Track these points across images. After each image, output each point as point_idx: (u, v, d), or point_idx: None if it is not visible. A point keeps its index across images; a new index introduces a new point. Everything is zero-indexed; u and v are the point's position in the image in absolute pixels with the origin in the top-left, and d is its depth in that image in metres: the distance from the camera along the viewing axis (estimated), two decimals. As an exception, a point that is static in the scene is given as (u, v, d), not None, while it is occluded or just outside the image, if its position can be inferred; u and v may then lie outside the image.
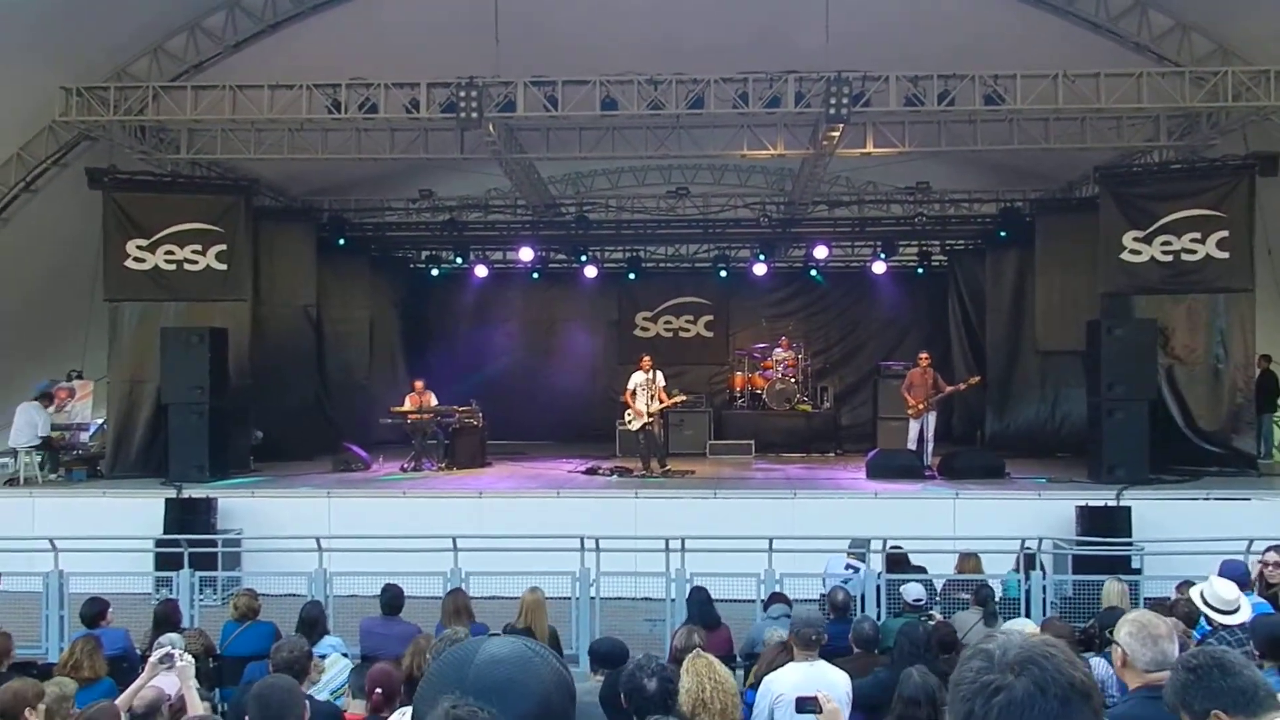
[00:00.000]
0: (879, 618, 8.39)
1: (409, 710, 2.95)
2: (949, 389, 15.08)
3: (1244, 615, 5.39)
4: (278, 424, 16.46)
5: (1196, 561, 8.62)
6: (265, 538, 11.91)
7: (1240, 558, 7.99)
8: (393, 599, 7.58)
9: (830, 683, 5.21)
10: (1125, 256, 14.42)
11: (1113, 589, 7.75)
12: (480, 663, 1.79)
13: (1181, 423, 14.08)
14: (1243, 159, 13.96)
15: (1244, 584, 6.05)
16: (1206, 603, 5.57)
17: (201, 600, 9.95)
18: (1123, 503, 11.88)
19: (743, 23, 13.94)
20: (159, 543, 11.42)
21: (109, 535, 11.08)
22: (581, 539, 9.99)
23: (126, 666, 6.68)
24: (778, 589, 8.89)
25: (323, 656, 6.32)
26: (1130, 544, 10.96)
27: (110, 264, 14.69)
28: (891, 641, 6.30)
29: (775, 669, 5.51)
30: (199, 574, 10.07)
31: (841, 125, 13.24)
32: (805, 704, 4.51)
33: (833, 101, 12.57)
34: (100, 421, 16.26)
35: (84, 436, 16.10)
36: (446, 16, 13.84)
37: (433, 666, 1.85)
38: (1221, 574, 6.09)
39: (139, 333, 14.81)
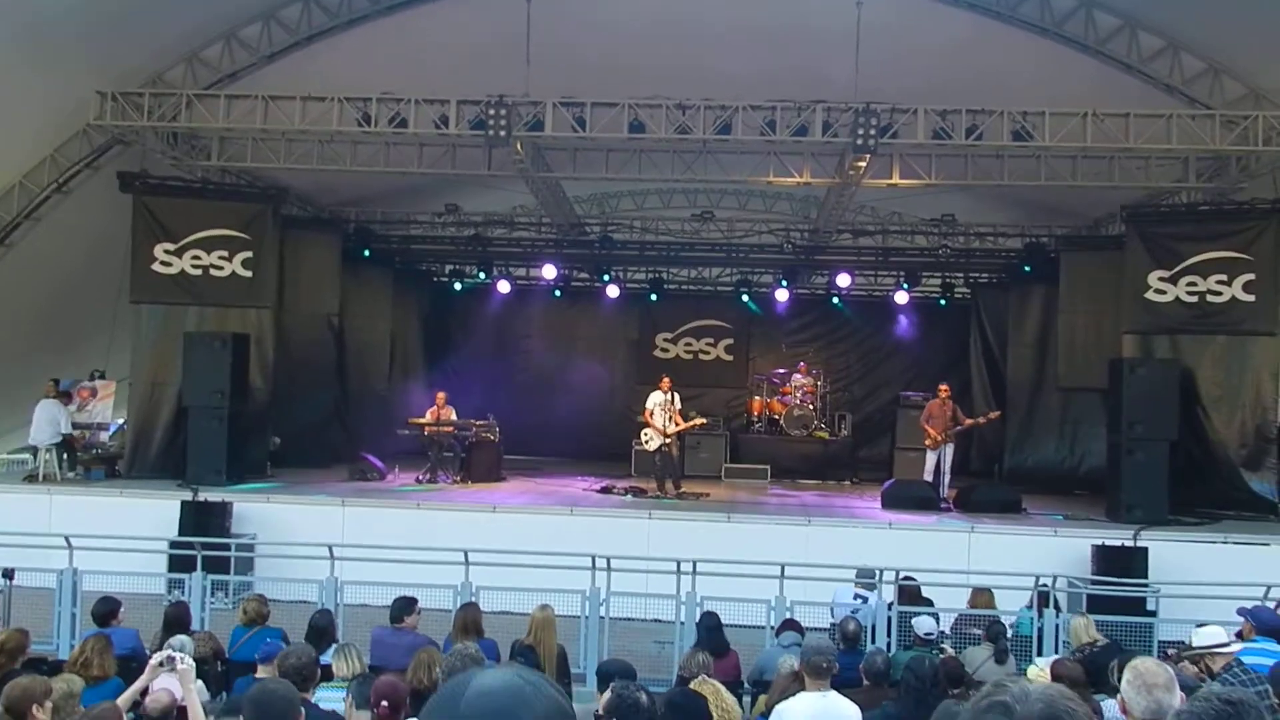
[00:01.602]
0: (889, 650, 8.33)
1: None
2: (968, 422, 15.02)
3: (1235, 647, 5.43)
4: (296, 431, 16.49)
5: (1213, 605, 8.53)
6: (278, 544, 11.94)
7: (1256, 603, 7.89)
8: (400, 609, 7.55)
9: (842, 714, 5.17)
10: (1150, 296, 14.36)
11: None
12: (471, 696, 1.80)
13: (1202, 465, 13.95)
14: (1272, 203, 13.90)
15: (1273, 632, 5.97)
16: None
17: (213, 603, 9.95)
18: (1140, 543, 11.78)
19: (773, 52, 14.00)
20: (173, 544, 11.44)
21: (124, 535, 11.09)
22: (593, 558, 9.96)
23: (135, 667, 6.68)
24: (789, 616, 8.83)
25: None
26: (1146, 585, 10.85)
27: (137, 267, 14.82)
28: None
29: (787, 698, 5.47)
30: (211, 577, 10.07)
31: (868, 156, 13.26)
32: None
33: (860, 132, 12.60)
34: (120, 422, 16.37)
35: (104, 436, 16.22)
36: (478, 36, 13.96)
37: (429, 702, 1.87)
38: (1255, 621, 6.04)
39: (163, 336, 14.91)
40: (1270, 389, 13.97)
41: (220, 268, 15.07)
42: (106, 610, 7.34)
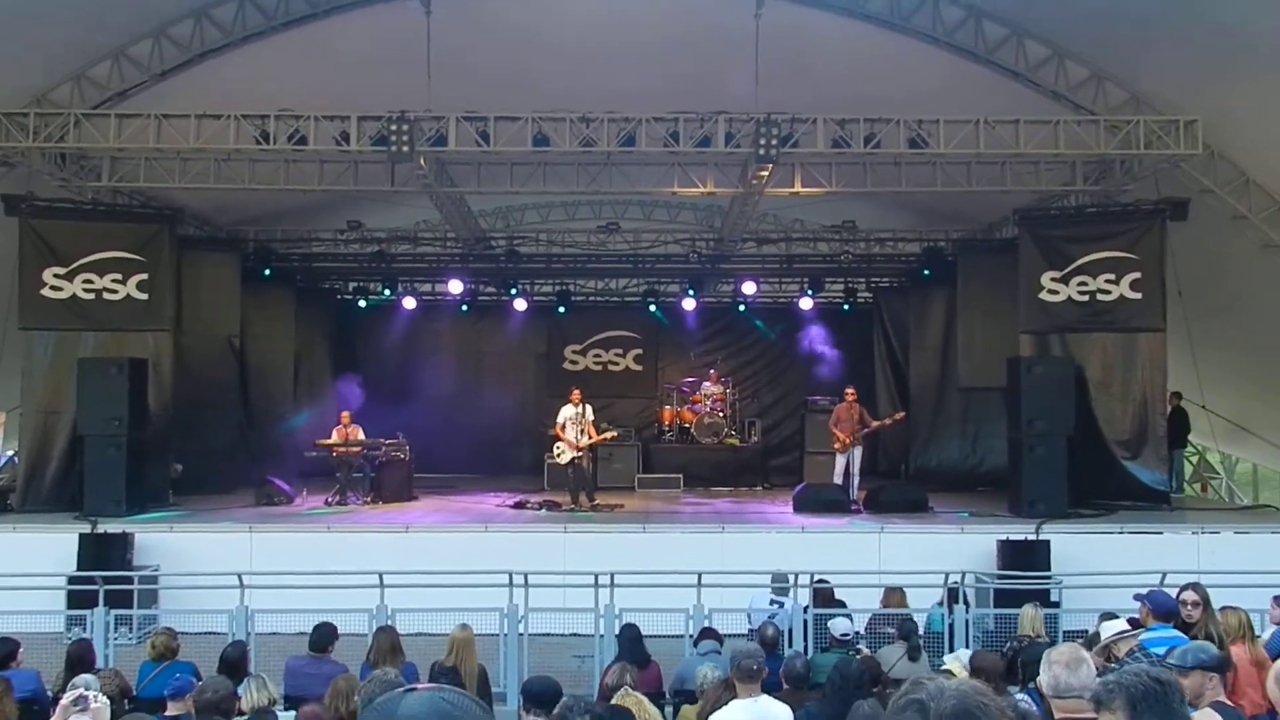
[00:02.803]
0: (806, 652, 8.44)
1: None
2: (874, 424, 15.29)
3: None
4: (199, 457, 16.12)
5: (1112, 594, 8.83)
6: (184, 574, 11.62)
7: (1152, 590, 8.18)
8: (324, 637, 7.41)
9: (775, 717, 5.22)
10: (1044, 296, 14.79)
11: (1027, 614, 7.92)
12: None
13: (1097, 459, 14.40)
14: (1155, 204, 14.45)
15: (1169, 616, 6.21)
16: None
17: (117, 640, 9.67)
18: (1042, 536, 12.15)
19: (675, 64, 14.11)
20: (72, 579, 11.09)
21: (19, 572, 10.69)
22: (510, 574, 9.93)
23: (38, 710, 6.46)
24: (707, 624, 8.89)
25: None
26: (1050, 577, 11.19)
27: (25, 291, 14.30)
28: (822, 678, 6.34)
29: (719, 708, 5.51)
30: (114, 612, 9.79)
31: (770, 165, 13.42)
32: None
33: (762, 142, 12.73)
34: (11, 453, 15.76)
35: (-7, 469, 15.60)
36: (378, 51, 13.81)
37: None
38: (1152, 605, 6.27)
39: (55, 362, 14.42)
40: (1158, 383, 14.51)
41: (114, 291, 14.64)
42: (4, 652, 7.05)
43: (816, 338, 21.39)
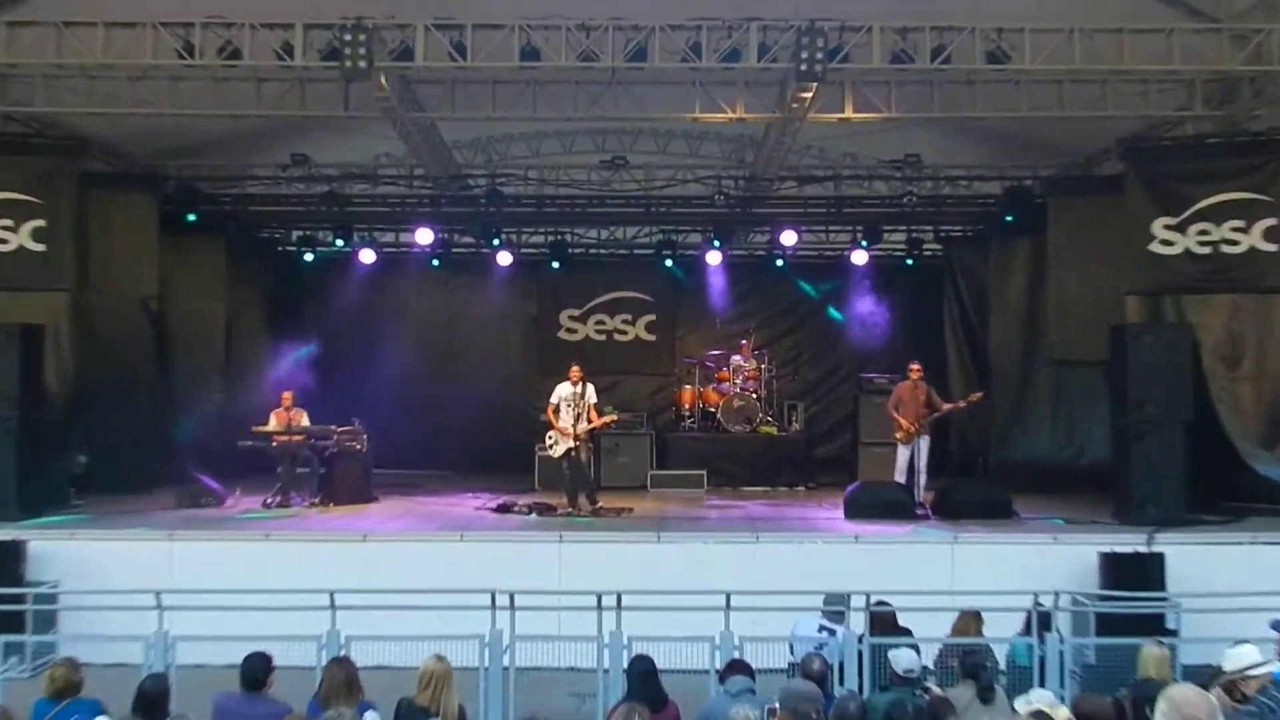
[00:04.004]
0: (862, 691, 8.39)
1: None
2: (945, 407, 15.23)
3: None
4: (107, 447, 16.18)
5: (1242, 620, 8.75)
6: (90, 592, 11.61)
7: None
8: (256, 671, 7.40)
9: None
10: (1155, 248, 14.71)
11: (1151, 655, 7.80)
12: None
13: (1224, 450, 14.31)
14: (1293, 133, 14.33)
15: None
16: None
17: (6, 671, 9.68)
18: (1155, 549, 12.08)
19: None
20: (-48, 599, 11.11)
21: (-112, 589, 10.75)
22: (492, 594, 9.91)
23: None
24: (737, 656, 8.85)
25: None
26: (1165, 599, 11.13)
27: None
28: (880, 721, 6.30)
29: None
30: (4, 638, 9.82)
31: (814, 85, 13.29)
32: None
33: (804, 56, 12.61)
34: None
35: None
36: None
37: None
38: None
39: (-70, 331, 14.44)
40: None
41: (4, 241, 14.68)
42: None
43: (873, 300, 21.31)
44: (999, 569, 11.93)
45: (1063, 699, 8.00)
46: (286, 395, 16.03)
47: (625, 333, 22.55)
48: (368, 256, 21.18)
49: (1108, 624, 10.16)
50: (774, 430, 19.46)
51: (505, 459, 19.49)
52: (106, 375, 16.33)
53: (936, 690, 7.75)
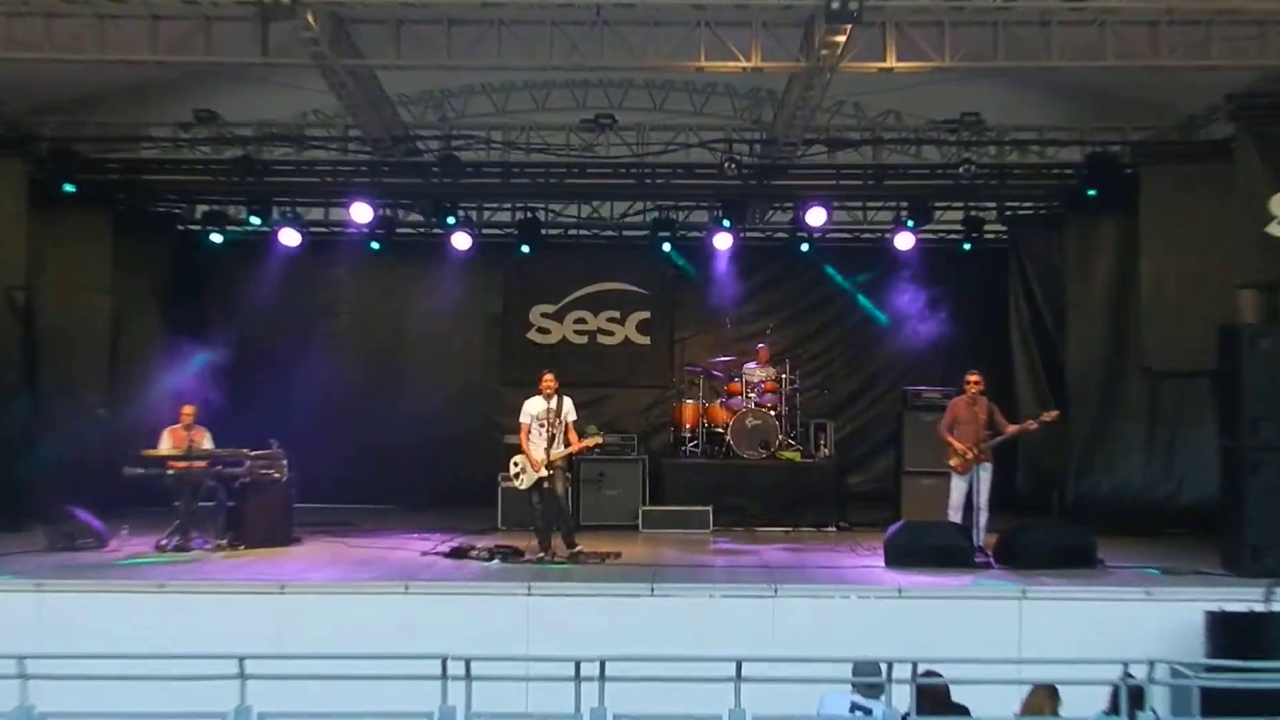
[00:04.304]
0: (905, 786, 8.38)
1: None
2: (1011, 429, 15.21)
3: None
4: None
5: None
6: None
7: None
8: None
9: None
10: (1274, 229, 14.75)
11: None
12: None
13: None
14: None
15: None
16: None
17: None
18: (1275, 606, 12.05)
19: None
20: None
21: None
22: (443, 661, 9.84)
23: None
24: (749, 740, 8.84)
25: None
26: (1289, 671, 11.11)
27: None
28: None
29: None
30: None
31: (849, 26, 13.31)
32: None
33: (837, -11, 12.66)
34: None
35: None
36: None
37: None
38: None
39: None
40: None
41: None
42: None
43: (920, 294, 21.30)
44: (1079, 632, 11.92)
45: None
46: (187, 410, 16.00)
47: (612, 334, 22.52)
48: (290, 238, 21.04)
49: (1216, 701, 10.11)
50: (797, 456, 19.39)
51: (461, 491, 19.51)
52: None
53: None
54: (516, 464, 15.30)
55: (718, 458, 19.50)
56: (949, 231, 21.32)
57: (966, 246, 21.28)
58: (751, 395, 19.67)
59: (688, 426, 20.18)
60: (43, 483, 17.04)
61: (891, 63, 14.68)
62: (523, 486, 15.25)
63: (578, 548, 15.10)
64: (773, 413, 19.46)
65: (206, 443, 15.79)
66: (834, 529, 18.13)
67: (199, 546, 15.38)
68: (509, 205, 21.57)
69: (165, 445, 15.73)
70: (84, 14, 14.22)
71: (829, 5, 12.75)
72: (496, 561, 14.93)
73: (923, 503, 16.99)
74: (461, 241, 21.01)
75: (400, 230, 22.07)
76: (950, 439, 15.09)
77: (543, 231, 21.67)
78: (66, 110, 18.71)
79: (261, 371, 20.71)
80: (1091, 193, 18.60)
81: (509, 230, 21.69)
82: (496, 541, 15.76)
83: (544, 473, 14.98)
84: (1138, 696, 9.61)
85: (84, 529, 15.46)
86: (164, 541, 15.40)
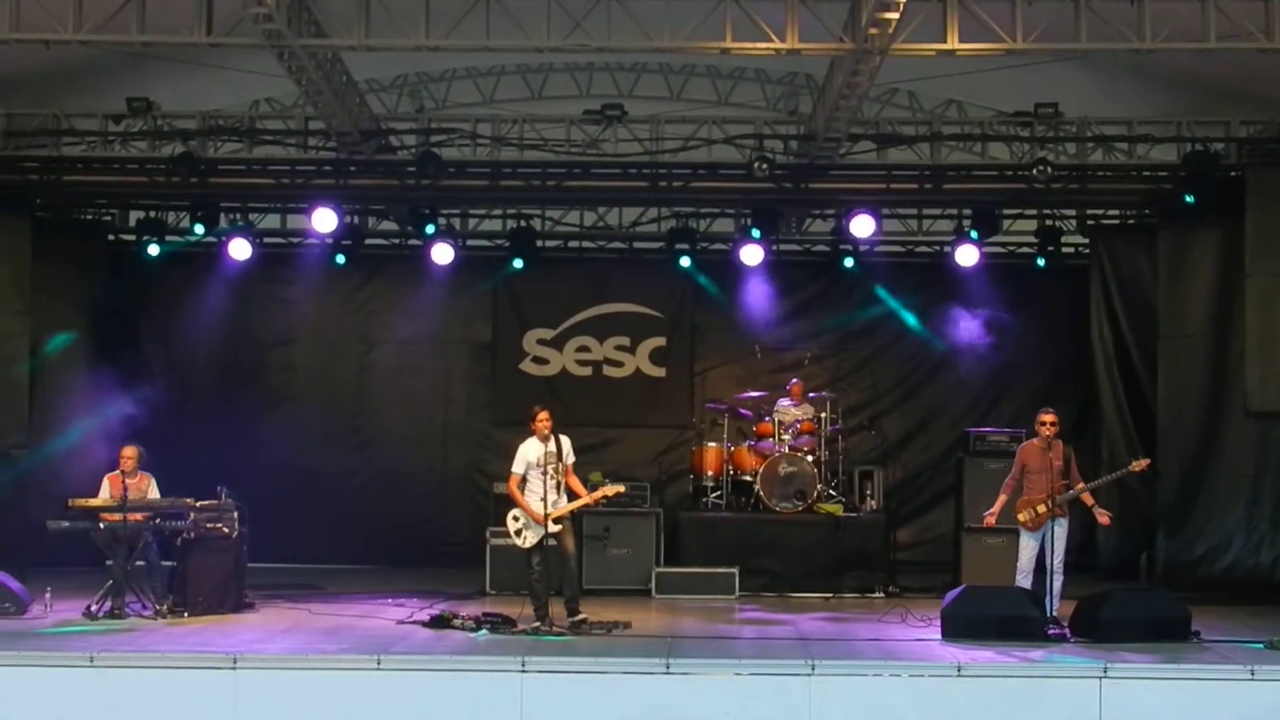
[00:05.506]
0: None
1: None
2: (1088, 485, 15.23)
3: None
4: None
5: None
6: None
7: None
8: None
9: None
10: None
11: None
12: None
13: None
14: None
15: None
16: None
17: None
18: (1405, 690, 12.10)
19: None
20: None
21: None
22: (424, 750, 9.94)
23: None
24: None
25: None
26: None
27: None
28: None
29: None
30: None
31: (902, 2, 13.45)
32: None
33: (888, -43, 12.80)
34: None
35: None
36: None
37: None
38: None
39: None
40: None
41: None
42: None
43: (986, 319, 21.34)
44: (1170, 717, 11.95)
45: None
46: (128, 452, 15.87)
47: (621, 365, 22.60)
48: (241, 250, 21.09)
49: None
50: (839, 509, 19.37)
51: (443, 550, 19.58)
52: None
53: None
54: (517, 519, 15.11)
55: (745, 511, 19.50)
56: (1020, 244, 21.42)
57: (1041, 262, 21.35)
58: (785, 437, 19.62)
59: (710, 474, 20.10)
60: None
61: (953, 44, 14.80)
62: (526, 545, 15.21)
63: (581, 616, 15.07)
64: (810, 458, 19.45)
65: (153, 491, 15.73)
66: (882, 595, 18.12)
67: (136, 612, 15.38)
68: (499, 212, 21.68)
69: (102, 494, 15.65)
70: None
71: (877, -21, 12.93)
72: (484, 632, 14.89)
73: (986, 565, 17.07)
74: (443, 255, 21.10)
75: (370, 241, 22.22)
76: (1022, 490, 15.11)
77: (539, 243, 21.84)
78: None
79: (207, 408, 20.81)
80: (1189, 199, 18.62)
81: (499, 242, 21.85)
82: (484, 609, 15.74)
83: (553, 528, 14.98)
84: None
85: (3, 593, 15.50)
86: (95, 607, 15.35)
